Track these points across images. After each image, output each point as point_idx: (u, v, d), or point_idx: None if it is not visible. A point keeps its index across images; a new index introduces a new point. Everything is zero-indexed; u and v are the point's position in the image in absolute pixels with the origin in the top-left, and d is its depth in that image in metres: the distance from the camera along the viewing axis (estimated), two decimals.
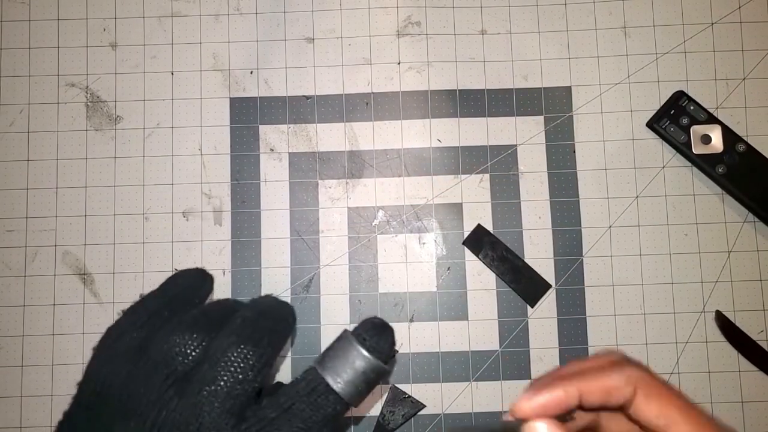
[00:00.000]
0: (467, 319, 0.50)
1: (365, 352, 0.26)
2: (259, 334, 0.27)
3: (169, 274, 0.50)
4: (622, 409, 0.27)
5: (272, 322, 0.28)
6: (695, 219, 0.51)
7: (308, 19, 0.53)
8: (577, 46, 0.52)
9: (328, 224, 0.51)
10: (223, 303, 0.31)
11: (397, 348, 0.49)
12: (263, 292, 0.50)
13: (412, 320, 0.50)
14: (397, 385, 0.49)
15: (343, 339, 0.27)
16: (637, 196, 0.51)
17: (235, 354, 0.26)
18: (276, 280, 0.50)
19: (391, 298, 0.50)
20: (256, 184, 0.51)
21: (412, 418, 0.49)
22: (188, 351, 0.27)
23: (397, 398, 0.49)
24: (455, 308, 0.50)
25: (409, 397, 0.49)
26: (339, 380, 0.26)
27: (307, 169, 0.51)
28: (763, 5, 0.53)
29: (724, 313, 0.49)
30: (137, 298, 0.50)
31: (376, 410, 0.49)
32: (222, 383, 0.25)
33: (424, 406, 0.49)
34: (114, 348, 0.29)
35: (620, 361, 0.27)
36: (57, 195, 0.51)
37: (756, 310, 0.50)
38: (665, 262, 0.50)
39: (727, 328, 0.49)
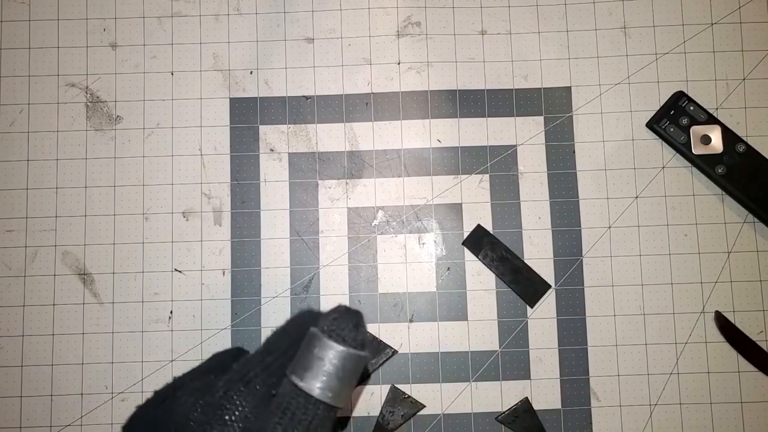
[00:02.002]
0: (467, 320, 0.50)
1: (334, 343, 0.25)
2: (252, 372, 0.27)
3: (169, 274, 0.50)
4: None
5: (278, 353, 0.27)
6: (695, 219, 0.51)
7: (308, 19, 0.53)
8: (577, 47, 0.52)
9: (328, 224, 0.51)
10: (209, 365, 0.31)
11: (396, 348, 0.49)
12: (263, 293, 0.50)
13: (411, 320, 0.50)
14: (396, 386, 0.49)
15: (309, 337, 0.26)
16: (636, 197, 0.51)
17: (221, 397, 0.26)
18: (276, 281, 0.50)
19: (391, 299, 0.50)
20: (256, 185, 0.51)
21: (412, 419, 0.49)
22: (192, 414, 0.27)
23: (397, 398, 0.49)
24: (455, 308, 0.50)
25: (409, 397, 0.49)
26: (316, 383, 0.25)
27: (307, 169, 0.51)
28: (763, 5, 0.53)
29: (723, 313, 0.49)
30: (135, 297, 0.50)
31: (375, 410, 0.49)
32: (217, 429, 0.25)
33: (424, 406, 0.49)
34: (137, 422, 0.29)
35: None
36: (57, 195, 0.51)
37: (755, 311, 0.50)
38: (665, 262, 0.50)
39: (727, 328, 0.49)
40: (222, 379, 0.27)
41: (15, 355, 0.49)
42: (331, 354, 0.25)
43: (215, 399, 0.26)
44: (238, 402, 0.25)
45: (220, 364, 0.31)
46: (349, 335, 0.26)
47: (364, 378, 0.46)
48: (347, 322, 0.26)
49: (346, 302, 0.50)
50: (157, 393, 0.30)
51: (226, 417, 0.25)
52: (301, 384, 0.25)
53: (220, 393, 0.26)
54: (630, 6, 0.53)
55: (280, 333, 0.28)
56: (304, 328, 0.28)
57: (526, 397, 0.49)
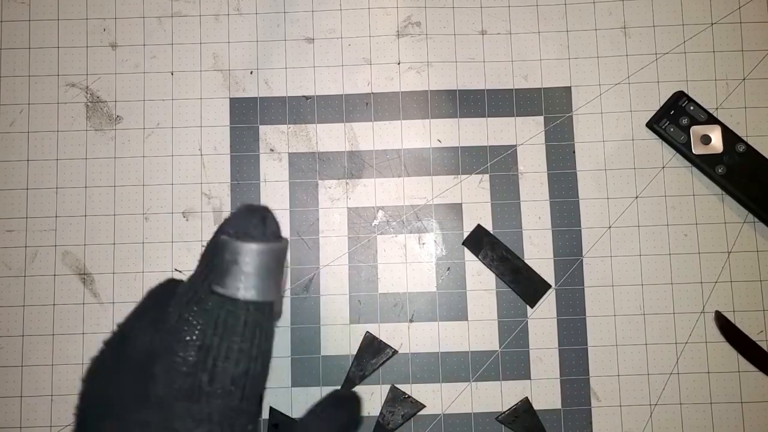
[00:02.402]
0: (467, 320, 0.50)
1: (243, 243, 0.25)
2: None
3: (169, 274, 0.50)
4: None
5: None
6: (695, 219, 0.51)
7: (308, 19, 0.53)
8: (577, 47, 0.52)
9: (328, 224, 0.51)
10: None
11: (396, 348, 0.49)
12: None
13: (411, 320, 0.50)
14: (396, 386, 0.49)
15: (220, 245, 0.26)
16: (636, 197, 0.51)
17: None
18: None
19: (391, 299, 0.50)
20: (256, 185, 0.51)
21: (412, 419, 0.49)
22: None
23: (397, 398, 0.49)
24: (455, 308, 0.50)
25: (409, 397, 0.49)
26: (236, 285, 0.25)
27: (307, 169, 0.51)
28: (763, 5, 0.53)
29: (723, 313, 0.49)
30: (135, 297, 0.50)
31: (375, 410, 0.49)
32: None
33: (424, 406, 0.49)
34: (94, 372, 0.30)
35: None
36: (57, 195, 0.51)
37: (755, 311, 0.50)
38: (665, 262, 0.50)
39: (727, 328, 0.49)
40: (171, 305, 0.27)
41: (15, 355, 0.49)
42: (243, 254, 0.25)
43: (171, 326, 0.26)
44: (195, 322, 0.26)
45: (155, 299, 0.31)
46: (257, 231, 0.26)
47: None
48: (252, 219, 0.26)
49: (346, 303, 0.50)
50: (107, 342, 0.30)
51: (187, 338, 0.26)
52: (221, 290, 0.25)
53: (175, 318, 0.26)
54: (630, 6, 0.53)
55: (212, 247, 0.29)
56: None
57: (527, 397, 0.49)
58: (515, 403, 0.49)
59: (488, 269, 0.50)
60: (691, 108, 0.50)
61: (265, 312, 0.26)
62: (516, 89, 0.52)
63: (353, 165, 0.51)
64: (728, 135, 0.50)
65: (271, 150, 0.52)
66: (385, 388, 0.49)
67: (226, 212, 0.51)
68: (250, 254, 0.25)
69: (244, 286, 0.25)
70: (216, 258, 0.26)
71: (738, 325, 0.49)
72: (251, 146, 0.52)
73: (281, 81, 0.52)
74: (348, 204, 0.51)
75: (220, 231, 0.27)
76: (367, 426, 0.48)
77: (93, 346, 0.49)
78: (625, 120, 0.52)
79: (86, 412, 0.28)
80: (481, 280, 0.50)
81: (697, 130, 0.50)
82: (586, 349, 0.49)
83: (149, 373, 0.26)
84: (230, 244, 0.25)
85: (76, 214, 0.51)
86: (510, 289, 0.50)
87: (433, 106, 0.52)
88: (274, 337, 0.27)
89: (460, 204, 0.51)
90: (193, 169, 0.51)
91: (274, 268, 0.26)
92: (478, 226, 0.51)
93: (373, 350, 0.49)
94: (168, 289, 0.32)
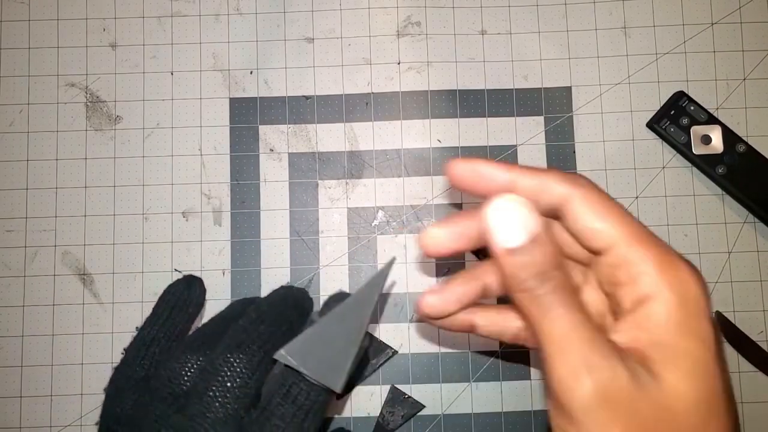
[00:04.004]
0: None
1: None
2: (249, 339, 0.27)
3: (169, 274, 0.50)
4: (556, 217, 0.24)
5: (270, 322, 0.28)
6: (695, 219, 0.50)
7: (308, 19, 0.53)
8: (577, 47, 0.52)
9: (328, 224, 0.51)
10: (224, 314, 0.31)
11: (395, 348, 0.49)
12: (263, 293, 0.50)
13: (411, 320, 0.50)
14: (396, 386, 0.49)
15: (310, 322, 0.26)
16: (637, 197, 0.51)
17: (221, 363, 0.26)
18: (276, 281, 0.50)
19: (391, 299, 0.50)
20: (256, 185, 0.51)
21: (412, 419, 0.49)
22: (184, 372, 0.27)
23: (397, 399, 0.49)
24: None
25: (409, 397, 0.49)
26: (311, 366, 0.25)
27: (307, 169, 0.51)
28: (764, 5, 0.52)
29: (723, 313, 0.49)
30: (135, 297, 0.50)
31: (375, 410, 0.49)
32: (211, 393, 0.25)
33: (424, 406, 0.49)
34: (121, 385, 0.29)
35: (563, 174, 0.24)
36: (56, 195, 0.51)
37: (756, 311, 0.50)
38: None
39: (727, 328, 0.49)
40: (220, 344, 0.27)
41: (15, 355, 0.49)
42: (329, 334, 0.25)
43: (215, 364, 0.26)
44: (238, 369, 0.26)
45: (233, 313, 0.31)
46: None
47: (360, 374, 0.46)
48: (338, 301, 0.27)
49: None
50: (127, 350, 0.30)
51: (228, 384, 0.25)
52: (303, 370, 0.25)
53: (220, 360, 0.26)
54: (630, 6, 0.53)
55: (274, 302, 0.29)
56: (299, 304, 0.28)
57: None
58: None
59: None
60: (692, 108, 0.50)
61: (329, 401, 0.26)
62: (516, 89, 0.52)
63: (353, 165, 0.51)
64: (729, 135, 0.50)
65: (271, 150, 0.52)
66: (385, 389, 0.49)
67: (226, 212, 0.51)
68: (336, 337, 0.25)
69: (320, 367, 0.25)
70: (304, 331, 0.26)
71: (738, 325, 0.49)
72: (251, 146, 0.52)
73: (281, 81, 0.52)
74: (348, 204, 0.51)
75: (300, 294, 0.28)
76: (368, 426, 0.48)
77: (93, 346, 0.49)
78: (626, 120, 0.52)
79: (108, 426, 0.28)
80: None
81: (697, 130, 0.50)
82: None
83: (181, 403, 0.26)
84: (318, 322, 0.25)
85: (75, 214, 0.51)
86: None
87: (433, 106, 0.52)
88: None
89: (461, 204, 0.51)
90: (192, 169, 0.51)
91: (352, 365, 0.26)
92: None
93: (373, 351, 0.49)
94: (243, 305, 0.32)
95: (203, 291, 0.34)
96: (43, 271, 0.50)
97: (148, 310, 0.49)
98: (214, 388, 0.25)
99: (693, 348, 0.21)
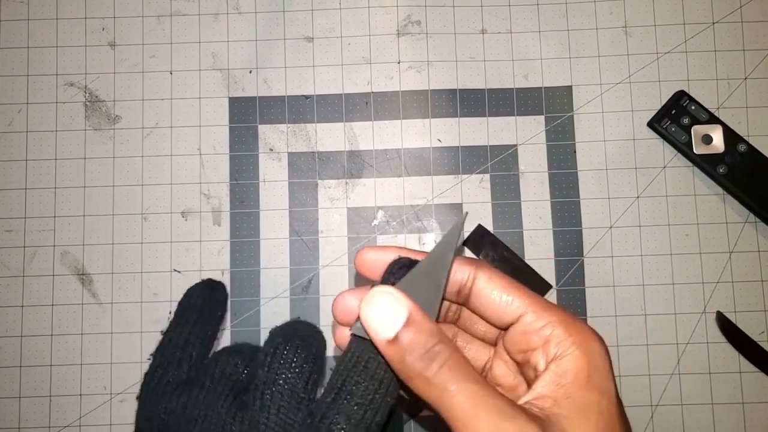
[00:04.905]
0: None
1: None
2: (302, 332, 0.27)
3: (168, 274, 0.50)
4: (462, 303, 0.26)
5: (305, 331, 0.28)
6: (696, 219, 0.50)
7: (308, 18, 0.53)
8: (578, 46, 0.52)
9: (328, 224, 0.51)
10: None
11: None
12: (262, 293, 0.50)
13: None
14: None
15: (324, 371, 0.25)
16: (638, 197, 0.51)
17: (286, 350, 0.25)
18: (275, 281, 0.50)
19: None
20: (255, 184, 0.51)
21: (412, 419, 0.48)
22: (240, 369, 0.27)
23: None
24: None
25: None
26: None
27: (307, 169, 0.51)
28: (764, 5, 0.52)
29: (725, 313, 0.49)
30: (134, 297, 0.50)
31: None
32: (281, 381, 0.25)
33: None
34: (160, 388, 0.28)
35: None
36: (55, 195, 0.51)
37: (757, 311, 0.50)
38: (666, 262, 0.50)
39: (728, 328, 0.49)
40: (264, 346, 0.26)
41: (14, 355, 0.49)
42: None
43: (270, 355, 0.25)
44: (292, 356, 0.25)
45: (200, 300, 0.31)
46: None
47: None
48: None
49: None
50: (158, 354, 0.29)
51: (287, 372, 0.25)
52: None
53: (272, 350, 0.25)
54: (631, 5, 0.53)
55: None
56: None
57: None
58: None
59: None
60: (693, 107, 0.50)
61: None
62: (516, 88, 0.52)
63: (353, 165, 0.51)
64: (729, 134, 0.50)
65: (271, 149, 0.51)
66: None
67: (225, 212, 0.51)
68: None
69: None
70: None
71: (739, 325, 0.49)
72: (250, 146, 0.51)
73: (280, 80, 0.52)
74: (348, 204, 0.51)
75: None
76: None
77: (92, 346, 0.49)
78: (626, 119, 0.51)
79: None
80: None
81: (698, 130, 0.50)
82: None
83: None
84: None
85: (74, 214, 0.51)
86: None
87: (434, 106, 0.52)
88: None
89: (461, 204, 0.51)
90: (192, 168, 0.51)
91: None
92: (479, 226, 0.50)
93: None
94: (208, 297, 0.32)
95: (226, 295, 0.34)
96: (42, 271, 0.50)
97: (147, 310, 0.50)
98: (282, 374, 0.25)
99: (598, 400, 0.23)
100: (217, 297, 0.33)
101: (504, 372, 0.27)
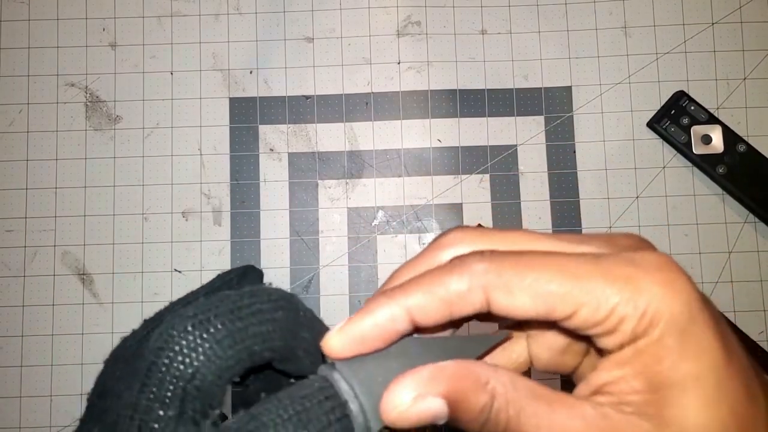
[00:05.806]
0: None
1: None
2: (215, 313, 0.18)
3: (169, 274, 0.50)
4: (484, 317, 0.20)
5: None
6: (695, 219, 0.50)
7: (308, 18, 0.53)
8: (578, 46, 0.52)
9: (328, 224, 0.51)
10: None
11: None
12: None
13: None
14: None
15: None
16: (637, 197, 0.51)
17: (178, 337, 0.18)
18: (275, 281, 0.50)
19: None
20: (256, 184, 0.51)
21: None
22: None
23: None
24: None
25: None
26: (366, 392, 0.18)
27: (307, 169, 0.51)
28: (764, 5, 0.52)
29: (724, 313, 0.49)
30: (134, 297, 0.50)
31: None
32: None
33: None
34: (116, 353, 0.25)
35: (461, 260, 0.19)
36: (56, 195, 0.51)
37: (756, 311, 0.50)
38: None
39: None
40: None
41: (14, 355, 0.49)
42: None
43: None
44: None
45: (225, 285, 0.25)
46: None
47: None
48: None
49: (346, 303, 0.50)
50: (146, 321, 0.24)
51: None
52: (355, 388, 0.19)
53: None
54: (630, 5, 0.53)
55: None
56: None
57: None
58: None
59: None
60: (692, 108, 0.50)
61: None
62: (516, 89, 0.52)
63: (353, 165, 0.51)
64: (729, 135, 0.50)
65: (271, 150, 0.51)
66: None
67: (226, 212, 0.51)
68: None
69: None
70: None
71: (739, 325, 0.49)
72: (251, 146, 0.51)
73: (281, 81, 0.52)
74: (348, 204, 0.51)
75: None
76: None
77: (92, 346, 0.49)
78: (626, 120, 0.52)
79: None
80: None
81: (697, 130, 0.50)
82: None
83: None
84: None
85: (75, 214, 0.51)
86: None
87: (433, 106, 0.52)
88: None
89: (461, 204, 0.51)
90: (192, 168, 0.51)
91: None
92: (479, 226, 0.51)
93: None
94: (240, 277, 0.25)
95: (258, 279, 0.27)
96: (43, 271, 0.50)
97: (148, 310, 0.50)
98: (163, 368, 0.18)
99: (700, 370, 0.18)
100: (246, 278, 0.27)
101: (551, 343, 0.23)
